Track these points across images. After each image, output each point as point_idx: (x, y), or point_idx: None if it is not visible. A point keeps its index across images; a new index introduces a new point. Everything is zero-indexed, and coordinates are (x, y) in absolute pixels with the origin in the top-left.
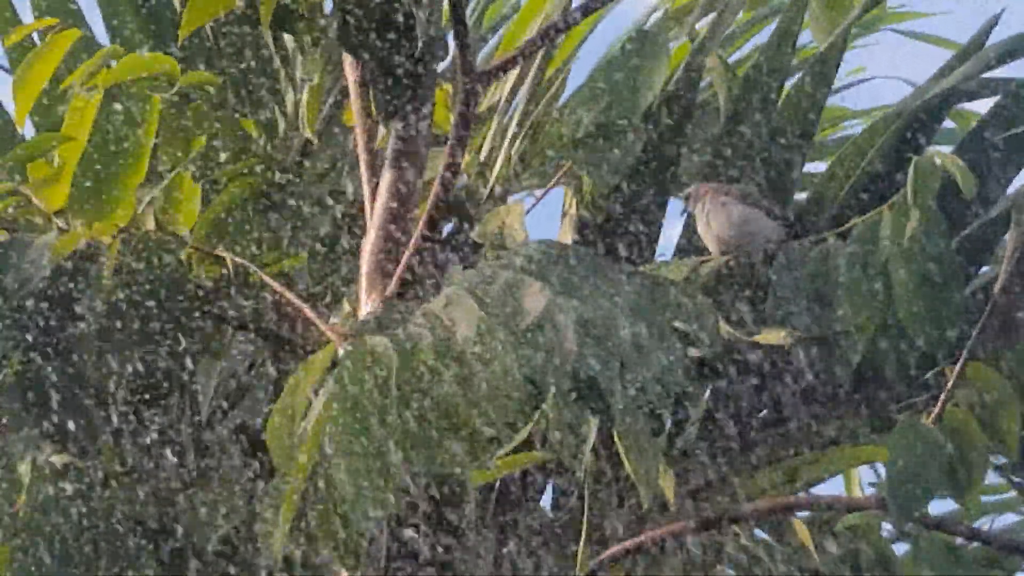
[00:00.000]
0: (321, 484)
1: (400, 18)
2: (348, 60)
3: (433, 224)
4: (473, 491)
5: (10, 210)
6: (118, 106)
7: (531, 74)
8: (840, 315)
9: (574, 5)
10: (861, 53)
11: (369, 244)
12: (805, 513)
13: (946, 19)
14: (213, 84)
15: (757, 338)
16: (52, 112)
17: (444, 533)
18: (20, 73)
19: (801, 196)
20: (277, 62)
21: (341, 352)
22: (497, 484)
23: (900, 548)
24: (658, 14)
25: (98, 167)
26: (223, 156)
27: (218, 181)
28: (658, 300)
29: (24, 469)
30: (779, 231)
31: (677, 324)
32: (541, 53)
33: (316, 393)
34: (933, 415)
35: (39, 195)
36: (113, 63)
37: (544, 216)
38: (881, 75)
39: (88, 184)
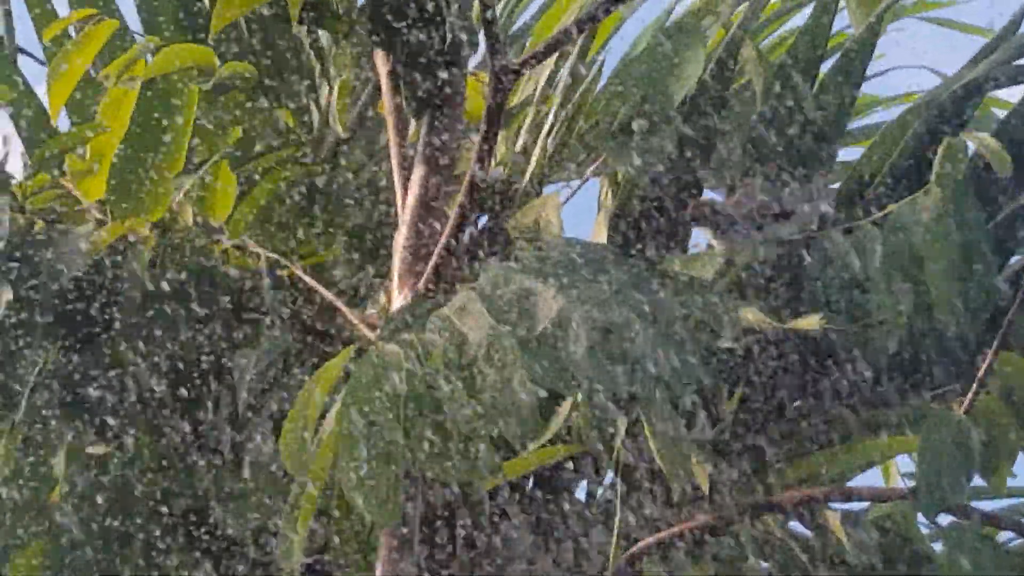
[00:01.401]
0: (335, 492)
1: (430, 12)
2: (379, 55)
3: (464, 217)
4: (506, 482)
5: (50, 204)
6: (155, 97)
7: (567, 65)
8: (876, 303)
9: None
10: (885, 41)
11: (401, 238)
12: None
13: (970, 6)
14: (250, 74)
15: (792, 324)
16: (86, 106)
17: (473, 526)
18: (55, 65)
19: (834, 186)
20: (311, 56)
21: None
22: (532, 476)
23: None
24: (688, 3)
25: (136, 158)
26: (259, 147)
27: (254, 173)
28: (681, 300)
29: (59, 460)
30: (792, 230)
31: (700, 317)
32: (578, 44)
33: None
34: (964, 405)
35: (78, 187)
36: (149, 56)
37: (580, 208)
38: (905, 64)
39: (126, 175)
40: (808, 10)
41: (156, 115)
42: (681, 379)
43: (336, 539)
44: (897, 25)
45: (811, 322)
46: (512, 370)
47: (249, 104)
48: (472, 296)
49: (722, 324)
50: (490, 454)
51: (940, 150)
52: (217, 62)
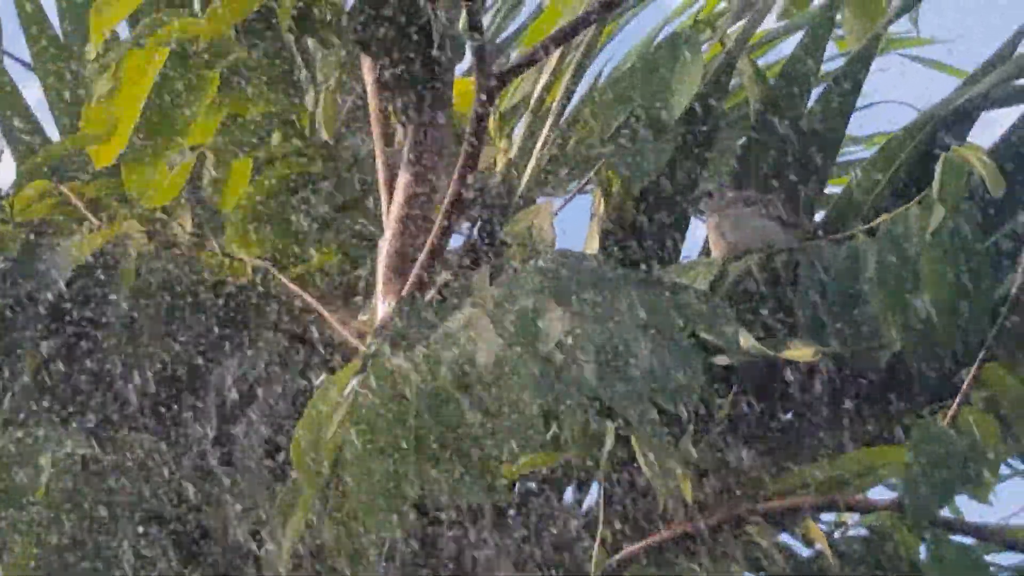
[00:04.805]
0: (335, 497)
1: (417, 20)
2: (366, 61)
3: (449, 224)
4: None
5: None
6: (178, 73)
7: (565, 75)
8: (869, 313)
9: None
10: (869, 79)
11: (386, 244)
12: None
13: (951, 47)
14: (260, 65)
15: (785, 354)
16: (76, 111)
17: (462, 531)
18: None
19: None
20: (299, 62)
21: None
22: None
23: None
24: (685, 17)
25: (154, 128)
26: (275, 137)
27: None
28: (679, 311)
29: (45, 461)
30: (792, 240)
31: (700, 333)
32: (579, 53)
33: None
34: (949, 416)
35: (93, 152)
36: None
37: (573, 217)
38: (886, 100)
39: (143, 144)
40: (798, 36)
41: (177, 89)
42: (683, 393)
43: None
44: (881, 63)
45: (804, 353)
46: (522, 390)
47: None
48: (478, 313)
49: (724, 337)
50: (504, 475)
51: (940, 165)
52: (234, 40)
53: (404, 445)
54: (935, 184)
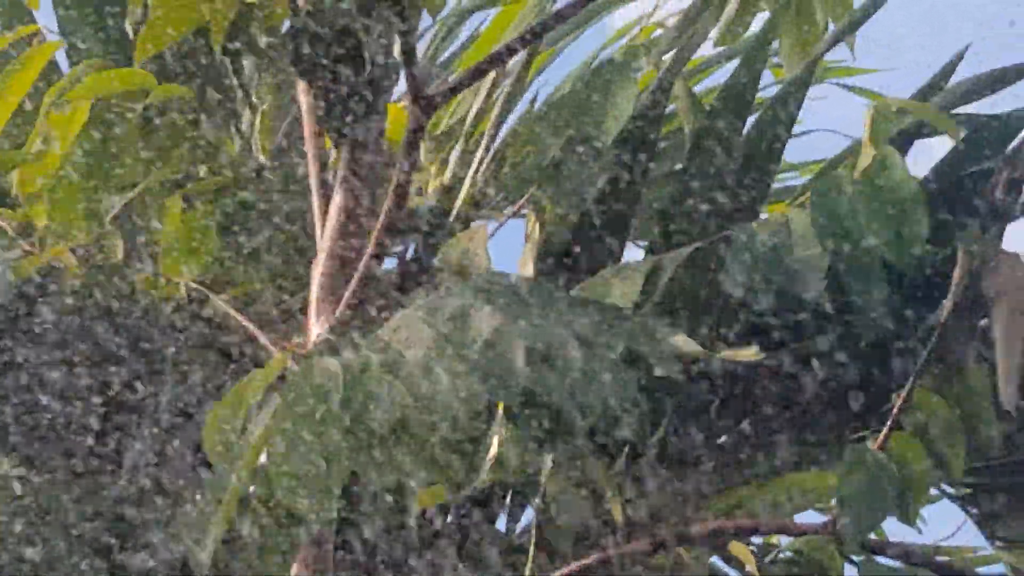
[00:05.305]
0: (260, 493)
1: (352, 44)
2: (301, 84)
3: (383, 246)
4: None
5: None
6: (95, 121)
7: (499, 98)
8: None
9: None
10: (805, 107)
11: (319, 267)
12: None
13: (887, 75)
14: (185, 96)
15: (726, 355)
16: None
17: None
18: None
19: None
20: (234, 83)
21: (288, 370)
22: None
23: None
24: (625, 40)
25: (77, 182)
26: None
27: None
28: (610, 328)
29: None
30: None
31: (633, 348)
32: (512, 77)
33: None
34: (879, 440)
35: (30, 211)
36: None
37: (507, 241)
38: (820, 128)
39: (67, 200)
40: (734, 64)
41: (96, 139)
42: (620, 407)
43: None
44: (818, 91)
45: (747, 353)
46: (455, 380)
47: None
48: (409, 315)
49: (657, 351)
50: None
51: (870, 111)
52: (156, 85)
53: (334, 434)
54: (864, 131)
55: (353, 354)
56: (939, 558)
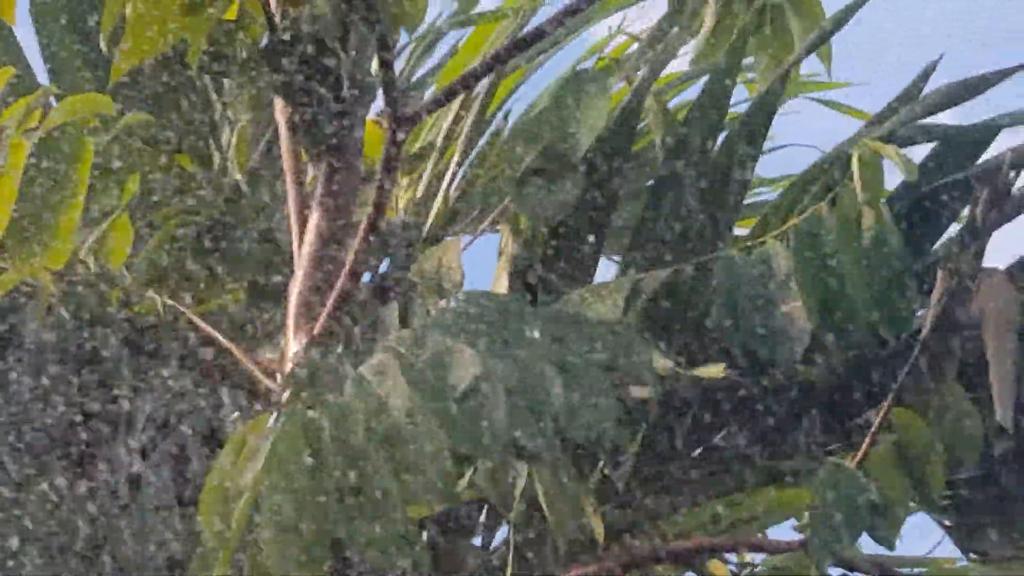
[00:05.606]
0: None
1: (329, 62)
2: (279, 102)
3: (360, 263)
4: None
5: None
6: (51, 148)
7: (470, 115)
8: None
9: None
10: (777, 121)
11: (296, 284)
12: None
13: (860, 90)
14: (150, 125)
15: (696, 371)
16: None
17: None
18: None
19: None
20: (211, 100)
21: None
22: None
23: None
24: (595, 58)
25: (33, 210)
26: (160, 195)
27: (155, 221)
28: (589, 345)
29: None
30: None
31: (612, 366)
32: (483, 94)
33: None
34: (856, 458)
35: None
36: (53, 100)
37: (481, 255)
38: (795, 143)
39: (25, 225)
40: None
41: (52, 165)
42: (595, 430)
43: None
44: (790, 106)
45: (715, 370)
46: (433, 438)
47: (152, 150)
48: (389, 359)
49: (636, 367)
50: (414, 528)
51: (855, 159)
52: (114, 112)
53: (322, 499)
54: (856, 179)
55: (335, 397)
56: (917, 570)
